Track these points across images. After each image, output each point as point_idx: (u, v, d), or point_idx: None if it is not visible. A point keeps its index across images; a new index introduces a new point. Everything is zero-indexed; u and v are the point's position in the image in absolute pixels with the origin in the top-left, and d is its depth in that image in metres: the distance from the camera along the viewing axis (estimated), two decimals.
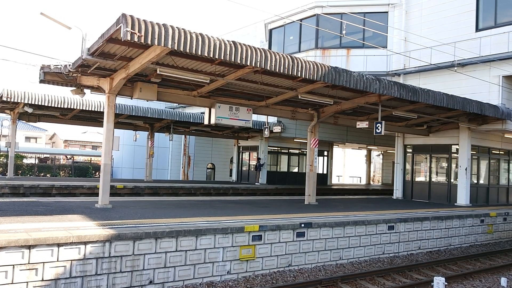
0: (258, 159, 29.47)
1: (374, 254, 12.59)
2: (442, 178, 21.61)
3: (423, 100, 14.28)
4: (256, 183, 28.59)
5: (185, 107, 31.55)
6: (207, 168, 36.19)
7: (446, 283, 9.66)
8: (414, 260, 12.91)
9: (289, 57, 10.91)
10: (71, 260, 7.63)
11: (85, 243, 7.76)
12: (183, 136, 33.00)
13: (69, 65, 11.93)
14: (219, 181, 31.10)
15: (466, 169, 19.63)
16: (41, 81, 12.80)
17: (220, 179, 35.72)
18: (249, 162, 32.42)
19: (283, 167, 31.96)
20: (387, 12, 22.63)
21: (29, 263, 7.21)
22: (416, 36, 20.99)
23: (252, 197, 18.32)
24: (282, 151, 31.73)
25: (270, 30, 26.61)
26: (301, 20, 23.82)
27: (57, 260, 7.48)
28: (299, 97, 13.88)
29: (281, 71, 10.74)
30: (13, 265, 7.07)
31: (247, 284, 9.40)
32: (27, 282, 7.21)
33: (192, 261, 9.06)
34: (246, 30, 35.23)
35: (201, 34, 9.26)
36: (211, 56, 9.43)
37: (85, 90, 13.54)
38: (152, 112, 22.55)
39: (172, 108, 31.33)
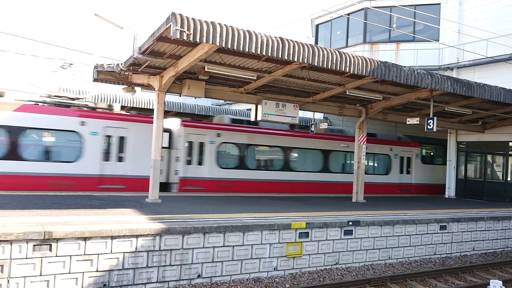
0: None
1: (425, 254, 12.20)
2: (498, 176, 20.60)
3: (478, 95, 13.67)
4: None
5: (231, 104, 31.83)
6: None
7: (504, 287, 9.20)
8: (467, 261, 12.40)
9: (337, 52, 10.74)
10: (124, 252, 7.90)
11: (137, 236, 8.01)
12: None
13: (121, 64, 12.33)
14: None
15: None
16: (95, 80, 13.32)
17: None
18: None
19: None
20: (439, 3, 21.76)
21: (84, 254, 7.53)
22: (470, 28, 20.06)
23: (298, 194, 18.25)
24: None
25: (317, 26, 26.30)
26: (348, 14, 23.38)
27: (111, 252, 7.77)
28: (347, 93, 13.65)
29: (329, 67, 10.60)
30: (70, 255, 7.41)
31: (294, 281, 9.37)
32: (83, 272, 7.53)
33: (239, 257, 9.14)
34: (292, 26, 35.03)
35: (248, 31, 9.30)
36: (258, 52, 9.46)
37: (136, 88, 13.97)
38: (200, 109, 22.93)
39: (218, 105, 31.70)
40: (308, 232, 10.07)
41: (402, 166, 22.74)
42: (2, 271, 6.91)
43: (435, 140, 24.93)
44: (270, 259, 9.54)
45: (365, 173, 20.08)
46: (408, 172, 22.97)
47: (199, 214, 10.20)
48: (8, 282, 6.96)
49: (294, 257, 9.88)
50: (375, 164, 22.27)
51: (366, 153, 20.35)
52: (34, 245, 7.12)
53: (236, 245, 9.10)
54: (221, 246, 8.92)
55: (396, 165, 22.38)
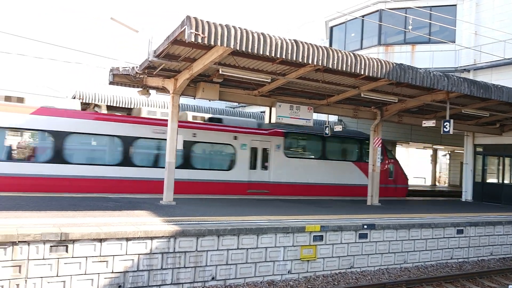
0: None
1: (441, 258, 12.03)
2: None
3: (496, 97, 13.47)
4: None
5: (245, 106, 31.83)
6: None
7: None
8: (485, 266, 12.19)
9: (351, 54, 10.69)
10: (139, 254, 7.95)
11: (152, 238, 8.05)
12: None
13: (136, 67, 12.45)
14: None
15: None
16: (111, 83, 13.46)
17: None
18: None
19: None
20: (455, 5, 21.49)
21: (100, 256, 7.60)
22: (487, 29, 19.78)
23: (313, 197, 18.14)
24: None
25: (331, 28, 26.19)
26: (363, 16, 23.22)
27: (126, 254, 7.83)
28: (362, 95, 13.56)
29: (344, 69, 10.55)
30: (86, 257, 7.49)
31: (308, 284, 9.32)
32: (98, 273, 7.60)
33: (253, 259, 9.13)
34: (305, 28, 34.94)
35: (262, 34, 9.30)
36: (273, 55, 9.46)
37: (150, 91, 14.08)
38: (213, 111, 22.99)
39: (232, 107, 31.72)
40: (322, 235, 10.02)
41: (253, 160, 17.82)
42: (20, 272, 7.00)
43: (310, 128, 19.01)
44: (284, 262, 9.51)
45: (191, 168, 16.32)
46: (264, 168, 18.12)
47: (213, 217, 10.22)
48: (25, 283, 7.05)
49: (308, 260, 9.83)
50: (210, 157, 17.47)
51: (195, 142, 16.48)
52: (51, 246, 7.21)
53: (250, 248, 9.09)
54: (235, 249, 8.92)
55: (243, 158, 17.48)
